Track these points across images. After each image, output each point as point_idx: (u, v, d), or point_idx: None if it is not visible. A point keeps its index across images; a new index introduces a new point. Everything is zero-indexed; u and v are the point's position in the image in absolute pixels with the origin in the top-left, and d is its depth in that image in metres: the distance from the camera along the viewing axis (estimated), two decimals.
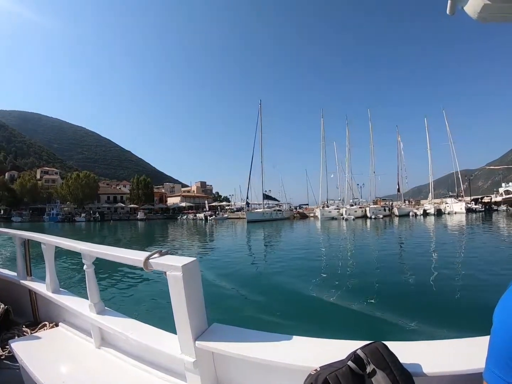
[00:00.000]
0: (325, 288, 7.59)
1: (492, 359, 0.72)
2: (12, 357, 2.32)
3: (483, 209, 49.43)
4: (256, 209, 58.04)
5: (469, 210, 47.76)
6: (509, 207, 48.16)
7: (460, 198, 53.18)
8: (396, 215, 48.05)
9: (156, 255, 1.60)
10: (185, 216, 71.76)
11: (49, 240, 2.62)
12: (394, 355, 1.05)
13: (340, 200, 58.98)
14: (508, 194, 53.25)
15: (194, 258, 1.52)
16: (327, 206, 55.02)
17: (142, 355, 1.92)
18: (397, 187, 59.76)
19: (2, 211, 79.48)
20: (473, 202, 52.25)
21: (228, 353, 1.40)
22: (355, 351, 1.07)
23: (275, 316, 5.83)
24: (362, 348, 1.07)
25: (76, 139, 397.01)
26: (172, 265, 1.46)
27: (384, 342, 1.10)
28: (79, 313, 2.27)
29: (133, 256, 1.70)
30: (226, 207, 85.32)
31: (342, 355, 1.11)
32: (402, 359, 1.05)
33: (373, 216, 45.77)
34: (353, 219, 44.03)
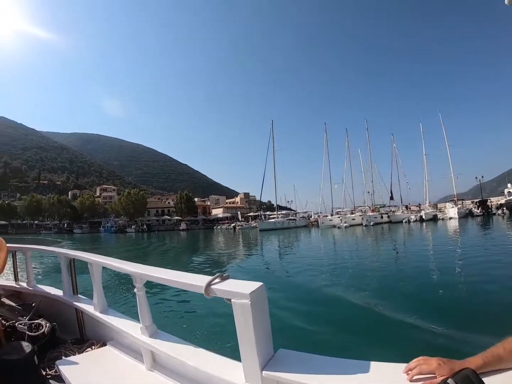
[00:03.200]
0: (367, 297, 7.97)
1: None
2: (58, 377, 2.34)
3: (481, 213, 49.33)
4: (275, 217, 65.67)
5: (468, 215, 49.06)
6: (505, 211, 47.06)
7: (455, 203, 54.08)
8: (391, 222, 51.02)
9: (217, 279, 1.56)
10: (219, 226, 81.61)
11: (96, 261, 2.67)
12: (484, 382, 0.99)
13: (350, 209, 63.94)
14: (510, 195, 51.31)
15: (261, 283, 1.46)
16: (331, 215, 61.15)
17: (199, 381, 1.82)
18: (390, 195, 62.99)
19: (65, 225, 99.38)
20: (476, 206, 52.54)
21: (298, 383, 1.28)
22: (445, 380, 1.01)
23: (339, 336, 5.71)
24: (452, 376, 1.01)
25: (135, 156, 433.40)
26: (238, 292, 1.39)
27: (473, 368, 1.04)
28: (130, 335, 2.27)
29: (192, 282, 1.66)
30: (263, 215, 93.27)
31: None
32: None
33: (364, 224, 49.50)
34: (345, 227, 48.49)
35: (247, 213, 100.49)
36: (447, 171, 62.07)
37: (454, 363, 1.05)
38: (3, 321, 3.09)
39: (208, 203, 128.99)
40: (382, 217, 53.69)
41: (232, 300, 1.41)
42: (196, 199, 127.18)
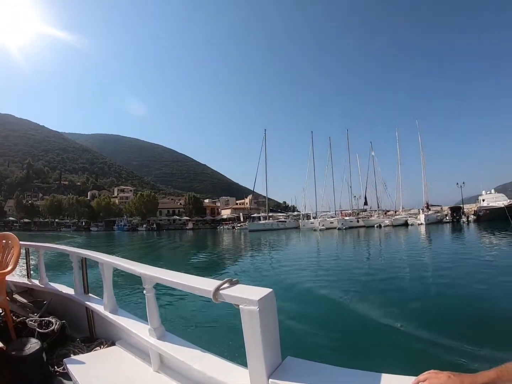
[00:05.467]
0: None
1: None
2: (66, 375, 2.40)
3: (449, 220, 52.39)
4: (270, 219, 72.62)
5: (440, 221, 52.82)
6: (469, 218, 49.82)
7: (428, 209, 57.99)
8: (364, 226, 55.11)
9: (226, 284, 1.55)
10: (222, 227, 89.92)
11: (107, 261, 2.73)
12: None
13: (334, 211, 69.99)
14: (482, 203, 53.84)
15: (271, 290, 1.44)
16: (313, 218, 66.95)
17: None
18: (364, 201, 67.98)
19: (83, 223, 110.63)
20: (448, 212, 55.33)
21: None
22: None
23: (346, 345, 5.72)
24: None
25: (154, 156, 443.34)
26: (247, 298, 1.38)
27: None
28: (138, 336, 2.31)
29: (200, 286, 1.66)
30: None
31: None
32: None
33: (338, 227, 54.04)
34: (320, 230, 52.54)
35: (252, 214, 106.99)
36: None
37: (464, 377, 1.01)
38: (14, 317, 3.18)
39: (218, 204, 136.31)
40: (358, 221, 58.35)
41: (240, 306, 1.40)
42: (206, 200, 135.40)
